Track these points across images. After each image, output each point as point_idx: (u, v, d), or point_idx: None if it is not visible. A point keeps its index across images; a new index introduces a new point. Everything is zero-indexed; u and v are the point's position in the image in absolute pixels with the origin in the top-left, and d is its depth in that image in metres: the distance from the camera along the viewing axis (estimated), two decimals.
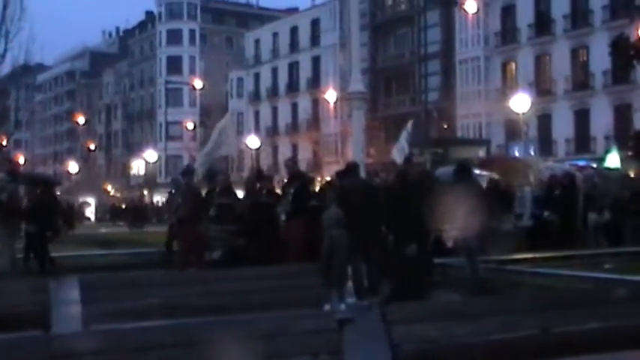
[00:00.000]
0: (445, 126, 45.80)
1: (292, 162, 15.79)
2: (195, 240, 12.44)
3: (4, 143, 39.31)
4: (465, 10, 38.53)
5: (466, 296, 9.45)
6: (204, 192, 13.78)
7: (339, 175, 12.40)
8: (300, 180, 12.66)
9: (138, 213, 36.62)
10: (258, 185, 13.54)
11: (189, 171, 14.74)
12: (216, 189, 13.80)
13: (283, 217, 12.36)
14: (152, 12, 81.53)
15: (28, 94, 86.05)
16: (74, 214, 37.10)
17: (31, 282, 6.90)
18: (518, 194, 14.91)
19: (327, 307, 7.66)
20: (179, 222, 12.96)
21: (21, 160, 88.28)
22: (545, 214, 14.96)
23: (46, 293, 5.67)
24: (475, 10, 37.76)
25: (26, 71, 60.04)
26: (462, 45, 47.26)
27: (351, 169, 11.53)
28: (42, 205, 13.67)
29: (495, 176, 15.93)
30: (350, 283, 10.19)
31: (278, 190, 13.66)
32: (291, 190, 12.26)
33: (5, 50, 27.59)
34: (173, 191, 15.76)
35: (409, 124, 29.41)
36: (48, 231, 13.48)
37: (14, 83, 55.70)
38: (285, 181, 13.38)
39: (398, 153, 28.31)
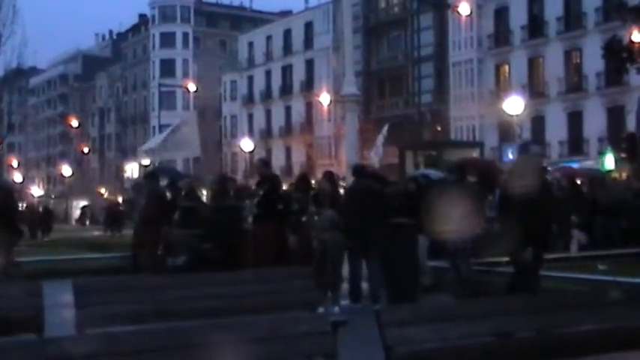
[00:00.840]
0: (439, 128, 45.87)
1: (262, 163, 15.11)
2: (155, 243, 12.13)
3: None
4: (458, 13, 38.60)
5: (458, 299, 9.46)
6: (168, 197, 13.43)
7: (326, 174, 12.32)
8: (269, 182, 12.33)
9: (116, 216, 35.10)
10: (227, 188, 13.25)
11: (152, 174, 14.33)
12: (181, 192, 13.47)
13: (250, 221, 12.00)
14: (145, 15, 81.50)
15: (21, 98, 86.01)
16: (51, 218, 36.19)
17: (23, 285, 6.88)
18: (490, 197, 14.65)
19: (320, 309, 7.65)
20: (142, 225, 12.59)
21: (14, 163, 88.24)
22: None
23: (39, 297, 5.66)
24: (468, 12, 37.84)
25: (19, 75, 60.00)
26: (455, 47, 47.36)
27: (358, 171, 11.45)
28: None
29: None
30: (345, 286, 10.16)
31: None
32: (260, 193, 12.01)
33: None
34: (132, 197, 15.36)
35: (385, 128, 29.64)
36: (7, 235, 13.19)
37: (7, 87, 55.58)
38: (255, 183, 12.99)
39: (375, 155, 28.59)
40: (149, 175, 14.22)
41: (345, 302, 9.84)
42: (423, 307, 6.80)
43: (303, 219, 11.90)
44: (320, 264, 9.57)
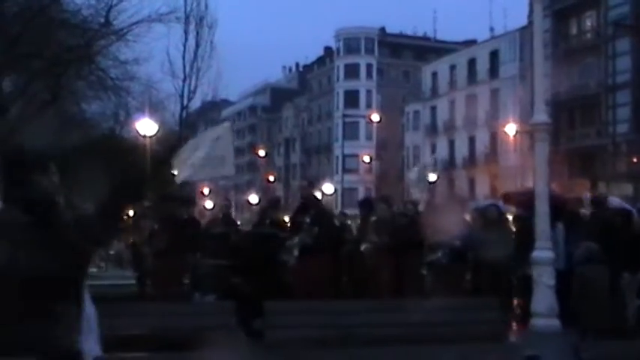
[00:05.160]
0: (635, 160, 43.15)
1: (309, 184, 13.53)
2: (173, 273, 10.65)
3: None
4: None
5: None
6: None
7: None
8: (316, 209, 10.91)
9: None
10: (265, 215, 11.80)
11: (166, 196, 12.36)
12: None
13: (296, 252, 10.53)
14: (330, 47, 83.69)
15: None
16: None
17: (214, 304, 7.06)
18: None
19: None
20: (159, 253, 11.02)
21: (205, 190, 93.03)
22: None
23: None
24: None
25: (213, 107, 63.42)
26: None
27: (600, 202, 10.66)
28: None
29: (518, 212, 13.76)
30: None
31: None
32: (307, 220, 10.56)
33: (196, 86, 29.34)
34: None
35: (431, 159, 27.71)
36: None
37: (202, 118, 58.84)
38: (297, 208, 11.52)
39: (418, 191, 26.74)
40: (165, 198, 12.53)
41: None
42: (626, 345, 6.24)
43: (362, 247, 10.66)
44: (578, 302, 8.78)
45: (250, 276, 10.15)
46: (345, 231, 11.49)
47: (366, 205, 11.32)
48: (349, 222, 13.33)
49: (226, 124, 14.42)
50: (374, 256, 10.46)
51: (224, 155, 14.60)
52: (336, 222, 12.31)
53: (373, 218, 10.91)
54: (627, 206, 14.84)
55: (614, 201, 14.69)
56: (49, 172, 3.20)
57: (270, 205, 12.99)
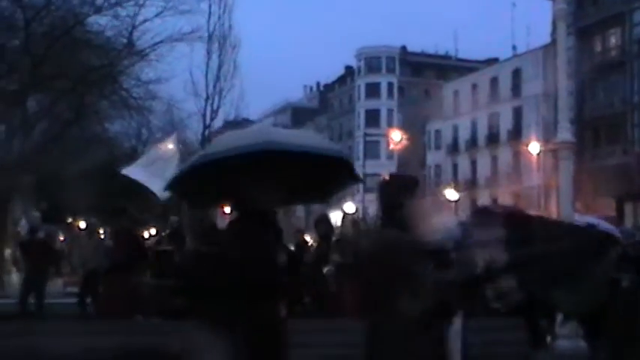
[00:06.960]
0: None
1: None
2: (126, 292, 10.00)
3: None
4: None
5: None
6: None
7: None
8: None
9: None
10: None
11: (120, 210, 12.19)
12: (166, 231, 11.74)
13: None
14: (351, 66, 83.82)
15: None
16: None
17: None
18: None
19: None
20: (111, 269, 10.74)
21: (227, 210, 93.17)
22: None
23: None
24: None
25: (235, 126, 63.58)
26: None
27: None
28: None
29: None
30: None
31: None
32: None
33: (218, 106, 29.50)
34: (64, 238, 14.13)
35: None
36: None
37: None
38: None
39: None
40: (116, 211, 12.18)
41: None
42: None
43: (325, 270, 10.08)
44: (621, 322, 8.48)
45: (194, 298, 9.47)
46: (301, 250, 10.98)
47: (323, 223, 10.70)
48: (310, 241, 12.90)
49: (171, 147, 13.33)
50: (338, 278, 9.93)
51: (168, 172, 13.31)
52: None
53: (335, 238, 10.51)
54: (612, 229, 14.58)
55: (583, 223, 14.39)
56: (415, 196, 3.80)
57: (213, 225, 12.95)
